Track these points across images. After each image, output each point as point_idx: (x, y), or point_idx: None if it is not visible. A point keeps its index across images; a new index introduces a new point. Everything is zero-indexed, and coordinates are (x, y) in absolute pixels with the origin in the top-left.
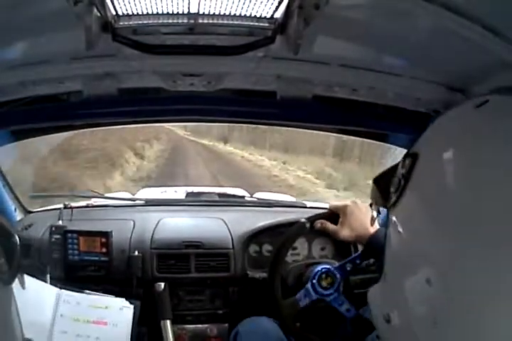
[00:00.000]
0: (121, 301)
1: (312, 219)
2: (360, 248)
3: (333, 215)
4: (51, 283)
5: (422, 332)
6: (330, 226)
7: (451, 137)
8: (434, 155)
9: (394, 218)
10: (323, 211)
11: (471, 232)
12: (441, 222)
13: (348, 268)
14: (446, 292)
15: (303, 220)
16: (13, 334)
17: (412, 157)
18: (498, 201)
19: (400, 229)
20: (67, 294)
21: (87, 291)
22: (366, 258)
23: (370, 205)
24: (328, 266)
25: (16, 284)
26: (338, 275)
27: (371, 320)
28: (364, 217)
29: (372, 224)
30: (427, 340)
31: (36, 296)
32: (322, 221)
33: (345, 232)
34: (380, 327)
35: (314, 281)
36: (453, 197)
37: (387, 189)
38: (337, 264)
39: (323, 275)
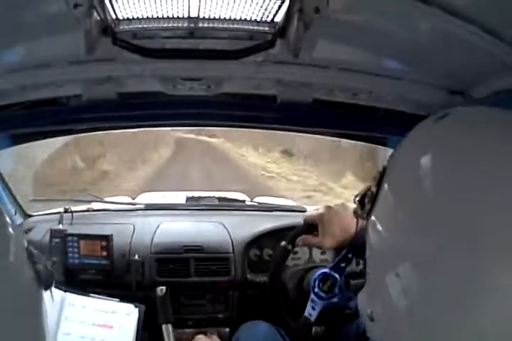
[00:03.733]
0: (128, 306)
1: (291, 240)
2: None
3: (311, 227)
4: (56, 286)
5: (402, 327)
6: (312, 240)
7: (419, 148)
8: (403, 166)
9: (372, 221)
10: (298, 226)
11: (444, 229)
12: (415, 220)
13: (343, 265)
14: (420, 285)
15: (283, 244)
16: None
17: (382, 170)
18: (468, 199)
19: (377, 230)
20: (72, 297)
21: (92, 295)
22: (355, 251)
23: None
24: (324, 270)
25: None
26: (336, 276)
27: None
28: (343, 220)
29: (355, 223)
30: (407, 335)
31: None
32: (303, 237)
33: (328, 242)
34: (367, 327)
35: (316, 290)
36: (425, 203)
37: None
38: (331, 264)
39: (323, 280)
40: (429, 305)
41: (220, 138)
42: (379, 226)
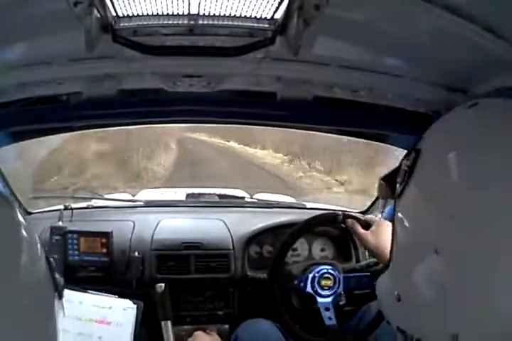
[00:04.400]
0: (125, 302)
1: (347, 215)
2: (361, 251)
3: (366, 223)
4: None
5: (431, 305)
6: (360, 228)
7: (451, 135)
8: (435, 151)
9: (399, 209)
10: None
11: (471, 221)
12: (442, 211)
13: (352, 283)
14: (452, 265)
15: (338, 212)
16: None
17: (415, 152)
18: (494, 196)
19: (405, 218)
20: (69, 293)
21: (90, 291)
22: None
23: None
24: (333, 271)
25: None
26: (340, 284)
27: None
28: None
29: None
30: (435, 312)
31: None
32: (354, 221)
33: (372, 239)
34: (389, 309)
35: (316, 275)
36: (452, 190)
37: (394, 183)
38: (343, 275)
39: (326, 276)
40: (456, 287)
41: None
42: (407, 217)
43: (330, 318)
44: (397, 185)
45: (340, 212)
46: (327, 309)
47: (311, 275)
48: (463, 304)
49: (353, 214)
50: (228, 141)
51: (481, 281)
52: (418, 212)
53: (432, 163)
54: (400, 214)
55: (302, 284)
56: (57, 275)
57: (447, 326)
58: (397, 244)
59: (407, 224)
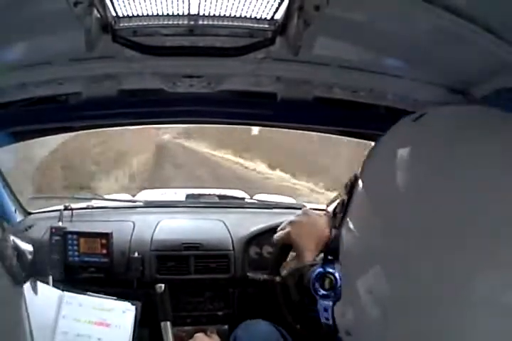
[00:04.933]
0: (125, 304)
1: (276, 272)
2: None
3: (287, 247)
4: (54, 285)
5: (378, 336)
6: (293, 264)
7: (392, 152)
8: (375, 171)
9: (343, 230)
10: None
11: (419, 233)
12: (386, 225)
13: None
14: (393, 297)
15: (277, 280)
16: (24, 337)
17: (354, 178)
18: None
19: (350, 239)
20: (69, 296)
21: (90, 293)
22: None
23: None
24: (334, 270)
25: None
26: (332, 271)
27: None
28: (312, 231)
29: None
30: None
31: (39, 298)
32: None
33: (308, 256)
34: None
35: (316, 275)
36: (397, 200)
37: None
38: (319, 264)
39: (322, 279)
40: (404, 316)
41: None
42: (351, 236)
43: (327, 319)
44: (338, 215)
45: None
46: (325, 310)
47: (311, 276)
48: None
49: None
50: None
51: (434, 313)
52: (360, 231)
53: (370, 185)
54: (345, 238)
55: (303, 285)
56: (15, 269)
57: None
58: (345, 271)
59: (349, 245)
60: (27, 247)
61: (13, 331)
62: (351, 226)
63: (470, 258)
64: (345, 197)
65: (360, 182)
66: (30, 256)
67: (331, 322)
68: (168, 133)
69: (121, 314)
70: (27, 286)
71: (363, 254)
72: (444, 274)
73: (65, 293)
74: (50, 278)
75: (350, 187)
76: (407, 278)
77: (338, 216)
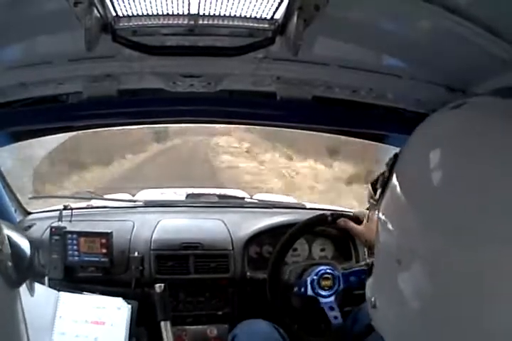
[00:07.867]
0: (119, 301)
1: (336, 216)
2: (361, 251)
3: (357, 218)
4: (50, 285)
5: (402, 314)
6: (355, 225)
7: (433, 137)
8: (415, 154)
9: (380, 213)
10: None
11: (449, 224)
12: (420, 215)
13: (352, 280)
14: (420, 276)
15: (326, 213)
16: (19, 338)
17: (394, 156)
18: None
19: (384, 224)
20: (65, 296)
21: (85, 292)
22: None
23: None
24: (332, 271)
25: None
26: (340, 283)
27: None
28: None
29: None
30: (406, 321)
31: (35, 299)
32: (345, 219)
33: (371, 235)
34: (372, 316)
35: (315, 277)
36: (430, 194)
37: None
38: (342, 272)
39: (325, 276)
40: (429, 296)
41: None
42: (387, 218)
43: (336, 317)
44: (378, 191)
45: (329, 212)
46: (331, 308)
47: (309, 279)
48: (438, 317)
49: (342, 212)
50: None
51: (457, 290)
52: (395, 217)
53: (411, 166)
54: (380, 219)
55: (303, 289)
56: (10, 271)
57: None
58: (378, 249)
59: (385, 229)
60: (25, 247)
61: (10, 333)
62: (388, 207)
63: None
64: (386, 173)
65: (401, 159)
66: (28, 257)
67: (340, 320)
68: None
69: (116, 311)
70: (23, 288)
71: (396, 237)
72: (473, 266)
73: (61, 293)
74: (46, 278)
75: (391, 164)
76: (438, 264)
77: (378, 191)
